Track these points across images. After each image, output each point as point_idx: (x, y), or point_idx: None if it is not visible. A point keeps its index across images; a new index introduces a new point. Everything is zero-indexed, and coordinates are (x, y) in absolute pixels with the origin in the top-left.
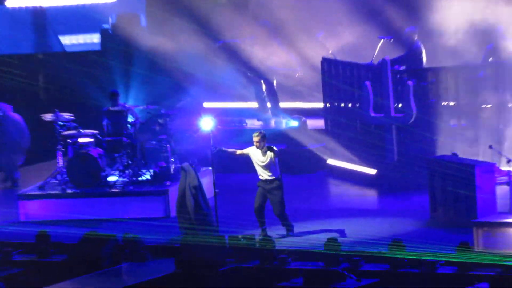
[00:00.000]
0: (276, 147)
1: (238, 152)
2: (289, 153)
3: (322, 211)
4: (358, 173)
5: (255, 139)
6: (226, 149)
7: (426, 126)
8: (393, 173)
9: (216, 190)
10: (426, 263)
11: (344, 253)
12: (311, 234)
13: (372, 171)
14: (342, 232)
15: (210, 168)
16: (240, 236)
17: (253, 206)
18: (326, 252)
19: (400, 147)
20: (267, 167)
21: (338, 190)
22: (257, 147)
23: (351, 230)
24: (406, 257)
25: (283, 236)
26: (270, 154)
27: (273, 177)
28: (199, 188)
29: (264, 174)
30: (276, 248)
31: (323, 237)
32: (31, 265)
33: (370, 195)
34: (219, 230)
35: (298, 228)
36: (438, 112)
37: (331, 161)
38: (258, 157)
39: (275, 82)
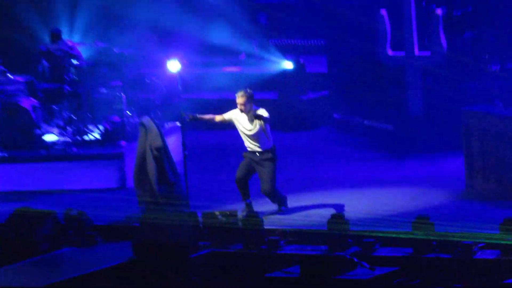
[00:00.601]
0: (266, 110)
1: (218, 118)
2: (282, 105)
3: (325, 180)
4: (371, 130)
5: (239, 100)
6: (201, 116)
7: (459, 69)
8: (417, 130)
9: (186, 152)
10: (460, 246)
11: (354, 233)
12: (310, 210)
13: (390, 128)
14: (350, 207)
15: (178, 123)
16: (217, 213)
17: (234, 174)
18: (330, 232)
19: (426, 96)
20: (255, 137)
21: (346, 152)
22: (242, 111)
23: (363, 204)
24: (433, 238)
25: (273, 213)
26: (259, 120)
27: (264, 149)
28: (163, 150)
29: (252, 145)
30: (265, 227)
31: (326, 213)
32: None
33: (387, 158)
34: (190, 205)
35: (293, 202)
36: (476, 50)
37: (336, 115)
38: (244, 124)
39: None
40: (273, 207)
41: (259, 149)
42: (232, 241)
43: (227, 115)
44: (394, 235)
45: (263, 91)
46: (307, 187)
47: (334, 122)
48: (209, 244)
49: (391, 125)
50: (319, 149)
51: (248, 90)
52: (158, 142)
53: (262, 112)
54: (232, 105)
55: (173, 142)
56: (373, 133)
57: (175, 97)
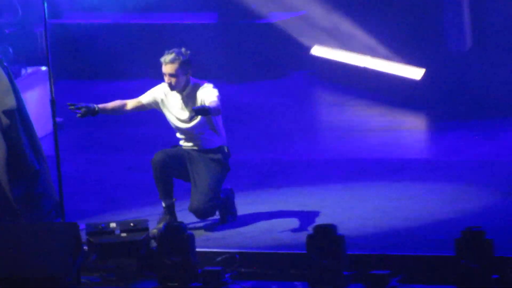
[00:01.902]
0: (212, 83)
1: (130, 104)
2: (225, 33)
3: (299, 166)
4: (383, 79)
5: (167, 68)
6: (103, 106)
7: None
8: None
9: (60, 119)
10: None
11: (352, 258)
12: (275, 218)
13: (416, 73)
14: (343, 213)
15: (44, 68)
16: (113, 225)
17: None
18: (311, 257)
19: (477, 21)
20: (195, 131)
21: (336, 117)
22: (172, 88)
23: (363, 207)
24: (492, 265)
25: (212, 225)
26: (201, 99)
27: (208, 148)
28: (18, 116)
29: (188, 143)
30: (198, 250)
31: (303, 224)
32: None
33: (409, 127)
34: (67, 211)
35: (246, 204)
36: None
37: (319, 51)
38: (175, 110)
39: None
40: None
41: (198, 148)
42: (138, 274)
43: (147, 97)
44: (422, 262)
45: (194, 12)
46: (269, 179)
47: (315, 64)
48: (98, 279)
49: (420, 67)
50: (289, 112)
51: (184, 51)
52: (8, 101)
53: (207, 93)
54: (142, 39)
55: (36, 101)
56: (385, 83)
57: (38, 22)
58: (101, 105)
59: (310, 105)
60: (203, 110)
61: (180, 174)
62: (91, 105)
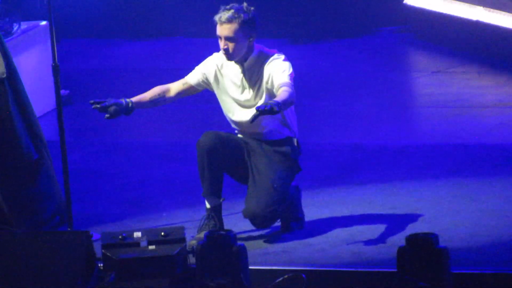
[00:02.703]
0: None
1: (175, 89)
2: None
3: (390, 155)
4: (501, 38)
5: (223, 30)
6: (139, 97)
7: None
8: None
9: (66, 92)
10: None
11: (463, 276)
12: (355, 226)
13: None
14: (449, 218)
15: (44, 23)
16: (138, 235)
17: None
18: (402, 274)
19: None
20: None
21: (438, 89)
22: (230, 56)
23: (480, 210)
24: None
25: (271, 235)
26: (268, 75)
27: (273, 139)
28: (9, 87)
29: (248, 131)
30: (253, 268)
31: (395, 232)
32: None
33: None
34: (74, 215)
35: (315, 207)
36: None
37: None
38: (232, 87)
39: None
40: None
41: (263, 137)
42: None
43: (195, 76)
44: None
45: None
46: (348, 172)
47: (409, 17)
48: None
49: None
50: (375, 86)
51: (246, 7)
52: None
53: (277, 70)
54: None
55: (33, 67)
56: (499, 42)
57: None
58: (135, 98)
59: (403, 73)
60: (271, 110)
61: (233, 168)
62: (122, 100)
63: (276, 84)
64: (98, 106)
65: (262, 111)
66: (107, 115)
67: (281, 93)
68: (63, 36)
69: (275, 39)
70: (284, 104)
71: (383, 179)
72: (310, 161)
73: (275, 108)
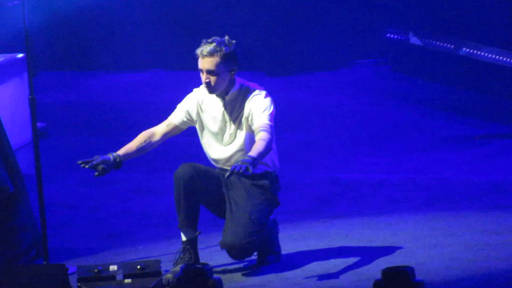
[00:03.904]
0: (267, 95)
1: (160, 132)
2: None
3: (367, 188)
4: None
5: (204, 63)
6: (126, 149)
7: None
8: None
9: (42, 125)
10: None
11: None
12: (332, 259)
13: None
14: (426, 251)
15: (21, 55)
16: (114, 267)
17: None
18: None
19: None
20: (236, 149)
21: (416, 122)
22: (211, 89)
23: (456, 243)
24: None
25: (248, 267)
26: (248, 112)
27: (254, 173)
28: None
29: (225, 160)
30: None
31: (372, 265)
32: None
33: None
34: (50, 251)
35: (292, 241)
36: None
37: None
38: (211, 120)
39: None
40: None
41: (237, 171)
42: None
43: (179, 114)
44: None
45: None
46: (325, 205)
47: (387, 48)
48: None
49: None
50: (353, 118)
51: (227, 40)
52: None
53: (257, 107)
54: None
55: (9, 100)
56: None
57: None
58: (122, 150)
59: (380, 105)
60: (246, 171)
61: (210, 200)
62: (109, 156)
63: (255, 124)
64: (86, 166)
65: (236, 173)
66: (96, 174)
67: (258, 144)
68: (41, 68)
69: (251, 71)
70: (260, 157)
71: (360, 212)
72: (288, 194)
73: (250, 169)
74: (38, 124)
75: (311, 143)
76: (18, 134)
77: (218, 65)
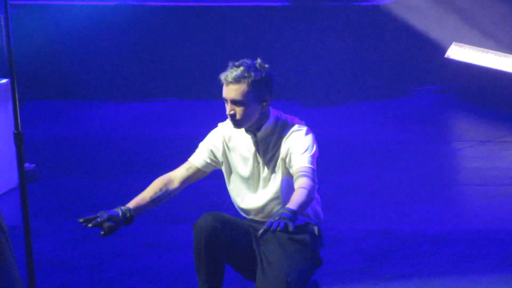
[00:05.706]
0: (306, 126)
1: (179, 177)
2: (304, 18)
3: (429, 243)
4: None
5: (229, 92)
6: (137, 200)
7: None
8: None
9: (31, 167)
10: None
11: None
12: None
13: None
14: None
15: (5, 81)
16: None
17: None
18: None
19: None
20: (271, 195)
21: (486, 163)
22: (237, 123)
23: None
24: None
25: None
26: (286, 152)
27: (293, 226)
28: None
29: (259, 214)
30: None
31: None
32: None
33: None
34: None
35: None
36: None
37: (459, 52)
38: (240, 162)
39: None
40: None
41: (271, 225)
42: None
43: (201, 155)
44: None
45: None
46: (378, 265)
47: (451, 74)
48: None
49: None
50: (412, 159)
51: (259, 64)
52: None
53: (297, 147)
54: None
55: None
56: None
57: None
58: (133, 202)
59: (444, 143)
60: (285, 230)
61: (238, 258)
62: (117, 210)
63: (294, 168)
64: (90, 225)
65: (273, 231)
66: (101, 233)
67: (298, 193)
68: (28, 96)
69: (286, 100)
70: (301, 210)
71: (419, 273)
72: (331, 251)
73: (290, 227)
74: (26, 165)
75: (360, 188)
76: (2, 177)
77: (245, 94)
